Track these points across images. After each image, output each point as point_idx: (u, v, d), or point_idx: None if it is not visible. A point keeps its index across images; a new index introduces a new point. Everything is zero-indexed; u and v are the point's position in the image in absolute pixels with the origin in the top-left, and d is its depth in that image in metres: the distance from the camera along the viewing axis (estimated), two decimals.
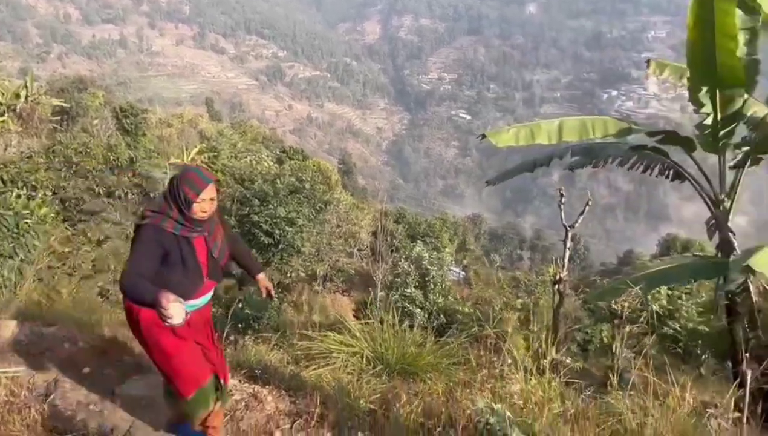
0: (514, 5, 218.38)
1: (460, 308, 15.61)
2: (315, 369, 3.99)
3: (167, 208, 2.87)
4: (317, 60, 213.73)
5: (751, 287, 5.52)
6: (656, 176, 6.91)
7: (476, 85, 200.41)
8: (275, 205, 19.59)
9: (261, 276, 3.41)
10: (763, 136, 5.82)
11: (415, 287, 16.98)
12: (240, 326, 10.34)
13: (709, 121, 6.10)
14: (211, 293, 3.12)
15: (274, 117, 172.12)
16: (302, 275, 19.80)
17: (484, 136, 6.18)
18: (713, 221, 6.22)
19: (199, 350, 3.00)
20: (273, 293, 3.38)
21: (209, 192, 2.90)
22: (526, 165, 6.64)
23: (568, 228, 8.19)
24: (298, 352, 4.43)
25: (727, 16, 5.58)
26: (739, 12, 5.80)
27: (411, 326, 4.75)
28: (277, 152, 35.34)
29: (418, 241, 22.54)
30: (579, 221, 8.43)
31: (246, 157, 30.05)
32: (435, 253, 18.88)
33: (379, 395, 3.47)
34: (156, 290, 2.49)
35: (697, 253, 6.12)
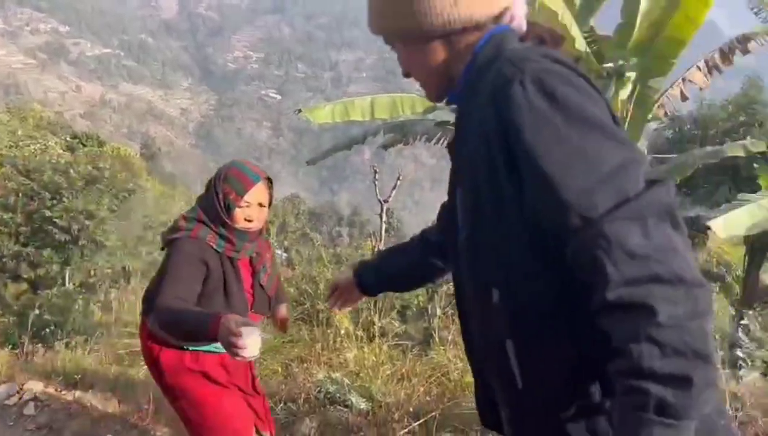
0: None
1: (286, 288, 15.67)
2: (142, 366, 3.78)
3: (205, 217, 2.15)
4: (107, 36, 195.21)
5: None
6: None
7: (284, 64, 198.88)
8: (70, 197, 17.73)
9: (282, 305, 2.51)
10: None
11: None
12: (43, 333, 9.30)
13: None
14: None
15: (59, 99, 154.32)
16: (108, 272, 18.28)
17: (300, 111, 6.24)
18: None
19: (242, 399, 2.31)
20: (288, 326, 2.56)
21: (257, 194, 2.15)
22: (343, 144, 6.84)
23: (383, 203, 8.61)
24: (121, 351, 4.14)
25: None
26: None
27: None
28: (68, 139, 31.89)
29: None
30: (392, 196, 8.91)
31: (29, 145, 26.68)
32: None
33: None
34: (212, 314, 1.74)
35: None
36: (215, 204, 2.12)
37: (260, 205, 2.16)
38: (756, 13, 8.15)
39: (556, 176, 0.83)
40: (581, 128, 0.84)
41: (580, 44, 6.17)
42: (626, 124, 6.44)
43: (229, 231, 2.12)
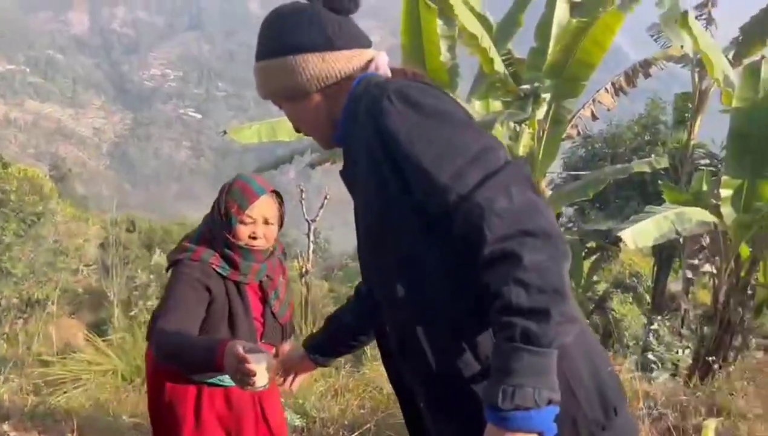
0: (235, 1, 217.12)
1: None
2: (64, 394, 3.58)
3: (209, 237, 1.98)
4: (11, 52, 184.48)
5: None
6: None
7: (204, 82, 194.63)
8: None
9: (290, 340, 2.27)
10: None
11: (158, 297, 16.02)
12: None
13: None
14: None
15: None
16: (15, 301, 17.11)
17: (225, 132, 6.16)
18: None
19: None
20: None
21: (263, 208, 1.96)
22: (269, 164, 6.80)
23: (310, 222, 8.59)
24: (37, 381, 3.91)
25: (430, 25, 6.45)
26: (440, 22, 6.71)
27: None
28: None
29: (157, 249, 21.21)
30: (319, 215, 8.91)
31: None
32: None
33: (143, 407, 3.29)
34: (217, 340, 1.61)
35: None
36: (218, 219, 1.96)
37: (266, 221, 1.98)
38: (655, 40, 8.81)
39: (432, 166, 0.99)
40: (444, 124, 1.03)
41: (499, 66, 6.47)
42: (543, 142, 6.79)
43: (233, 251, 1.95)
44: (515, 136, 6.44)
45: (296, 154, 6.97)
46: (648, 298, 10.90)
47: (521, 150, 6.40)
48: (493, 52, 6.30)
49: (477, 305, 1.01)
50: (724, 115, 6.86)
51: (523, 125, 6.37)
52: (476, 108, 7.10)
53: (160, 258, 17.30)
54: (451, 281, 1.05)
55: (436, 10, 6.33)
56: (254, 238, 1.96)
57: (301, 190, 8.87)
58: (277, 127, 6.51)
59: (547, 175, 7.58)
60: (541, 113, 6.61)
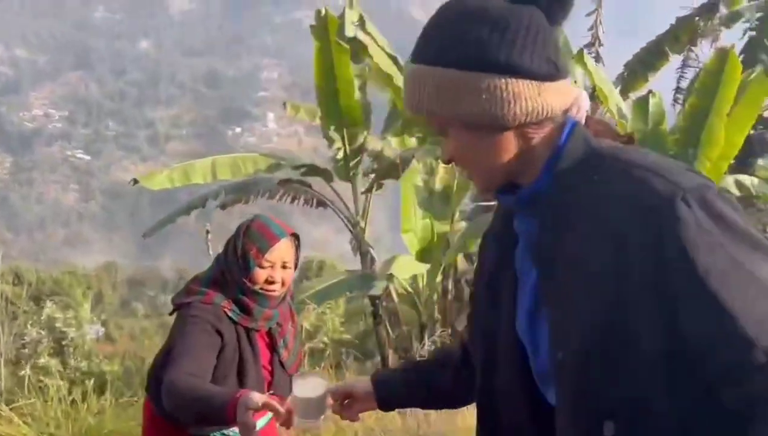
0: (124, 40, 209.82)
1: (108, 368, 14.24)
2: None
3: (222, 281, 1.88)
4: None
5: (393, 292, 6.55)
6: (302, 206, 7.60)
7: (92, 123, 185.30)
8: None
9: None
10: (382, 165, 6.98)
11: (50, 354, 14.76)
12: None
13: (340, 154, 7.01)
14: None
15: None
16: None
17: (136, 181, 5.87)
18: (354, 240, 7.16)
19: None
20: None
21: (282, 252, 1.88)
22: (182, 209, 6.55)
23: None
24: None
25: (343, 65, 6.54)
26: (351, 62, 6.82)
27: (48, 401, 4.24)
28: None
29: (47, 301, 19.62)
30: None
31: None
32: (70, 312, 16.75)
33: None
34: (229, 392, 1.49)
35: (349, 269, 6.98)
36: (234, 261, 1.86)
37: (284, 266, 1.89)
38: None
39: (733, 303, 0.78)
40: (750, 251, 0.81)
41: None
42: (457, 176, 6.99)
43: (248, 295, 1.85)
44: (431, 172, 6.60)
45: (210, 197, 6.76)
46: None
47: (438, 184, 6.56)
48: None
49: None
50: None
51: (438, 160, 6.55)
52: (393, 145, 7.23)
53: (51, 311, 16.04)
54: (683, 424, 0.85)
55: (349, 51, 6.43)
56: (271, 282, 1.87)
57: (207, 231, 8.64)
58: (190, 170, 6.30)
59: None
60: None
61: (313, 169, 7.14)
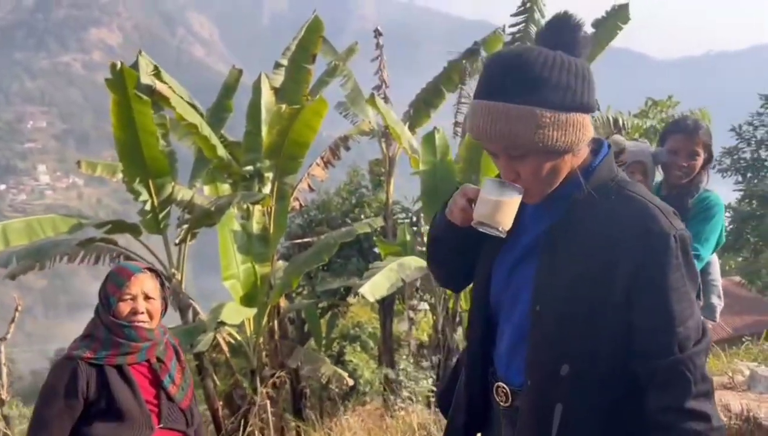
0: None
1: None
2: None
3: (92, 326, 1.99)
4: None
5: (221, 341, 6.43)
6: (109, 264, 7.14)
7: None
8: None
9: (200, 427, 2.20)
10: (195, 214, 6.88)
11: None
12: None
13: (148, 207, 6.77)
14: None
15: None
16: None
17: None
18: (171, 294, 6.91)
19: None
20: None
21: (141, 284, 1.99)
22: None
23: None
24: None
25: (144, 117, 6.38)
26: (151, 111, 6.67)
27: None
28: None
29: None
30: (11, 331, 7.75)
31: None
32: None
33: None
34: None
35: (170, 326, 6.67)
36: (100, 305, 2.00)
37: (147, 297, 2.00)
38: (344, 116, 10.07)
39: (674, 308, 1.16)
40: (690, 280, 1.20)
41: (222, 152, 6.71)
42: (272, 217, 7.18)
43: (115, 332, 1.96)
44: (247, 216, 6.69)
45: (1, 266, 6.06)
46: (372, 344, 12.00)
47: (255, 227, 6.66)
48: (215, 139, 6.52)
49: (629, 413, 1.21)
50: (412, 175, 8.20)
51: (254, 205, 6.67)
52: (205, 192, 7.16)
53: None
54: (616, 380, 1.21)
55: (149, 102, 6.30)
56: (136, 313, 1.97)
57: (17, 307, 7.67)
58: None
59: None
60: (267, 191, 7.01)
61: (119, 226, 6.78)
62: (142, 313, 1.98)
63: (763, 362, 3.45)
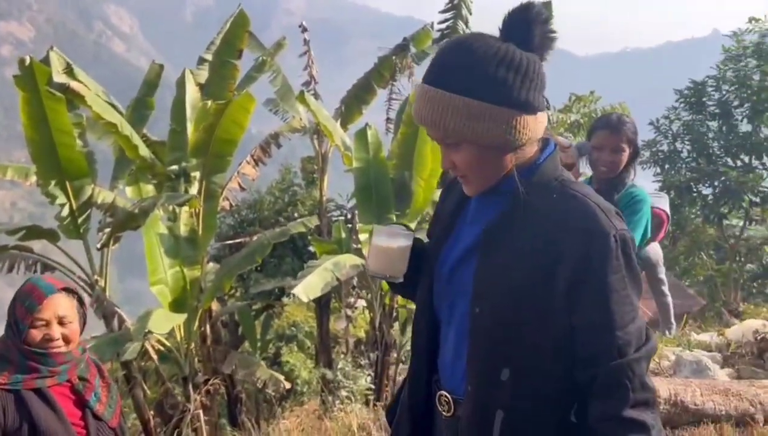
0: None
1: None
2: None
3: (3, 347, 1.82)
4: None
5: (150, 349, 6.15)
6: (25, 273, 6.69)
7: None
8: None
9: None
10: (117, 218, 6.54)
11: None
12: None
13: (66, 211, 6.38)
14: None
15: None
16: None
17: None
18: (95, 303, 6.55)
19: None
20: None
21: (54, 307, 1.80)
22: None
23: None
24: None
25: (58, 115, 6.01)
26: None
27: None
28: None
29: None
30: None
31: None
32: None
33: None
34: None
35: (94, 335, 6.32)
36: (9, 327, 1.82)
37: (61, 321, 1.82)
38: (274, 113, 9.84)
39: (614, 311, 1.13)
40: (632, 285, 1.16)
41: (145, 151, 6.41)
42: (200, 219, 6.92)
43: (30, 358, 1.79)
44: (174, 217, 6.42)
45: None
46: (308, 343, 11.84)
47: (183, 229, 6.41)
48: (137, 139, 6.22)
49: (573, 418, 1.18)
50: (345, 172, 8.11)
51: (181, 206, 6.40)
52: (128, 194, 6.82)
53: None
54: (553, 394, 1.17)
55: (63, 100, 5.93)
56: (50, 340, 1.81)
57: None
58: None
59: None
60: (194, 191, 6.75)
61: (34, 232, 6.36)
62: (57, 339, 1.82)
63: (686, 348, 3.60)
